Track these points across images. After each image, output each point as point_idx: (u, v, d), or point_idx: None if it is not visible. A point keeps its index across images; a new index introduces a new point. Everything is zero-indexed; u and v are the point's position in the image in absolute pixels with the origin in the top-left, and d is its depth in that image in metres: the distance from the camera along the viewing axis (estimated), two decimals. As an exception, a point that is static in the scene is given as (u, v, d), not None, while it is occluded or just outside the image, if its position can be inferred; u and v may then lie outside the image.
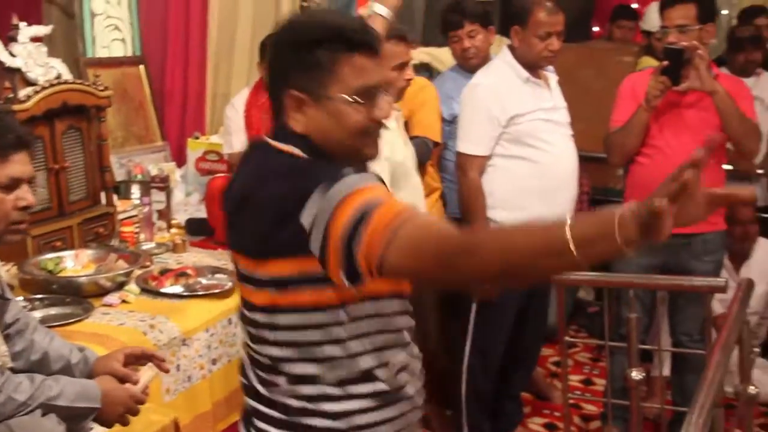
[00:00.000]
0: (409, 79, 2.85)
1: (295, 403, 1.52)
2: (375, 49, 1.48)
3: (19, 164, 1.86)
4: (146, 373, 2.01)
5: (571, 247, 1.16)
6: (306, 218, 1.36)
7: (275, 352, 1.52)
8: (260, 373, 1.57)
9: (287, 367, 1.51)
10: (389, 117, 1.50)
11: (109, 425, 1.94)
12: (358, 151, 1.51)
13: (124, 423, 1.93)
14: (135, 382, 1.97)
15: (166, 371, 2.14)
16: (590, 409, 3.90)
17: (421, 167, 3.33)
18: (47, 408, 1.81)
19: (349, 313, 1.47)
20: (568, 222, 1.18)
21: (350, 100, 1.45)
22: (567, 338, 3.26)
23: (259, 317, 1.52)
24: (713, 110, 3.14)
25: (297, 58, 1.47)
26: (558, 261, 1.22)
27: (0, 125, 1.87)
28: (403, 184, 2.82)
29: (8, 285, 2.14)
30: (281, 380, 1.52)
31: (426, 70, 4.10)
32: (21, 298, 2.69)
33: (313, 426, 1.51)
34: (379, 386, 1.52)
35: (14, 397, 1.77)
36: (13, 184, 1.86)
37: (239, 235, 1.52)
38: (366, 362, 1.51)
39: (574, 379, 4.19)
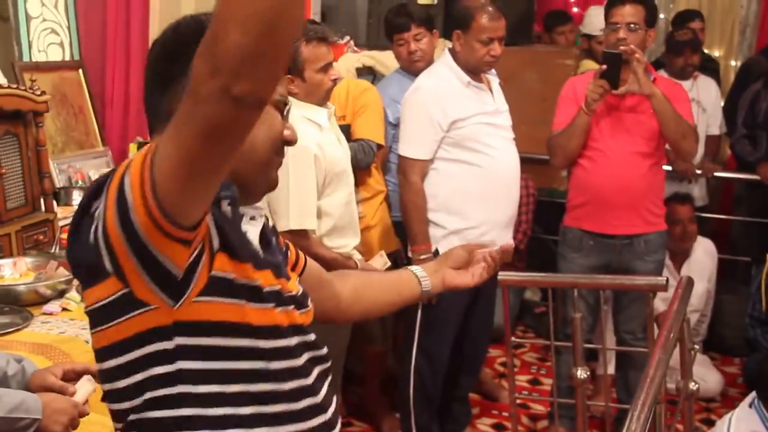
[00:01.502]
0: (335, 79, 2.83)
1: None
2: None
3: None
4: (84, 386, 1.95)
5: None
6: (91, 236, 1.16)
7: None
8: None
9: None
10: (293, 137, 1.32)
11: None
12: (268, 177, 1.32)
13: (69, 430, 1.87)
14: (71, 395, 1.92)
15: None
16: (538, 408, 3.94)
17: (365, 170, 3.33)
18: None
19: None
20: None
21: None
22: (513, 339, 3.29)
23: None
24: (651, 113, 3.20)
25: (171, 68, 1.25)
26: None
27: None
28: (337, 184, 2.81)
29: None
30: None
31: (369, 73, 4.10)
32: (-43, 308, 2.62)
33: None
34: None
35: None
36: None
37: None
38: None
39: (522, 380, 4.23)
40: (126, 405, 1.22)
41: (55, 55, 3.85)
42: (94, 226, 1.13)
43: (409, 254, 3.18)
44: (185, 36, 1.19)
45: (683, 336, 2.73)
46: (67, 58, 3.90)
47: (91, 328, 1.22)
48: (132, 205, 1.06)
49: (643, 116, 3.23)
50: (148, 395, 1.19)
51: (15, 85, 3.13)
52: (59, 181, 3.64)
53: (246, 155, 1.19)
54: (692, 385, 2.72)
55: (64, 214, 3.37)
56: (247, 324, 1.20)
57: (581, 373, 2.89)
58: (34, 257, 2.99)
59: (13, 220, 3.11)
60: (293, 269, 1.48)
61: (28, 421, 1.79)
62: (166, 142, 1.03)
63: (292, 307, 1.29)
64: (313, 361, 1.32)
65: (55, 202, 3.41)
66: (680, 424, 3.09)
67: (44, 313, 2.67)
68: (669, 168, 4.26)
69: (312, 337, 1.33)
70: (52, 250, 3.18)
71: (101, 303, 1.17)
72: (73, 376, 1.99)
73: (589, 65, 4.48)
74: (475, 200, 3.11)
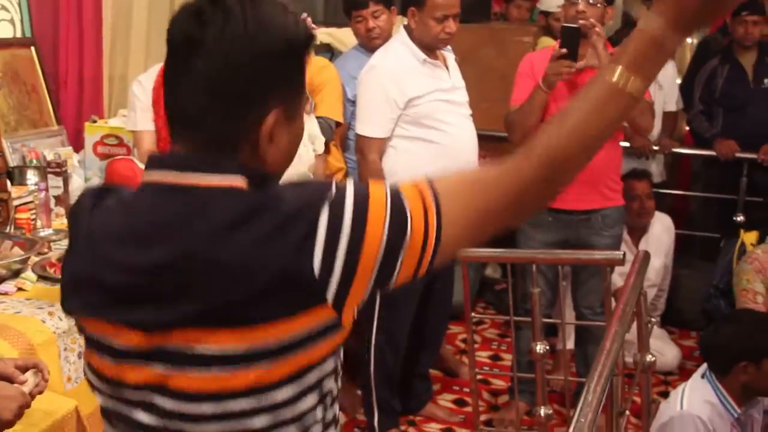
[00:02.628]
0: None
1: None
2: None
3: None
4: (31, 378, 1.94)
5: (626, 75, 1.11)
6: (317, 262, 1.06)
7: None
8: None
9: None
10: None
11: (4, 424, 1.85)
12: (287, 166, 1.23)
13: (18, 418, 1.85)
14: (21, 383, 1.90)
15: (46, 380, 2.05)
16: (499, 383, 3.97)
17: (325, 147, 3.32)
18: None
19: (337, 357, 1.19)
20: (612, 66, 1.12)
21: (308, 111, 1.29)
22: (473, 315, 3.32)
23: (234, 405, 1.11)
24: None
25: (283, 68, 1.14)
26: (623, 101, 1.12)
27: None
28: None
29: None
30: None
31: (327, 50, 4.07)
32: None
33: None
34: None
35: None
36: None
37: (174, 302, 1.10)
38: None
39: (483, 356, 4.26)
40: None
41: (6, 32, 3.77)
42: (320, 258, 1.06)
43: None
44: (260, 50, 1.11)
45: (640, 309, 2.77)
46: (18, 35, 3.82)
47: (271, 358, 1.09)
48: (407, 250, 1.09)
49: None
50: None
51: (-35, 62, 3.06)
52: (12, 160, 3.57)
53: (282, 168, 1.19)
54: (649, 358, 2.77)
55: (18, 194, 3.31)
56: None
57: (540, 347, 2.92)
58: (-13, 237, 2.94)
59: (-35, 200, 3.06)
60: None
61: None
62: (455, 204, 1.12)
63: None
64: None
65: (8, 182, 3.35)
66: (638, 396, 3.15)
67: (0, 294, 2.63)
68: (626, 144, 4.30)
69: None
70: (7, 230, 3.13)
71: (306, 332, 1.09)
72: (22, 371, 1.97)
73: (547, 42, 4.49)
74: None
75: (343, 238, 1.07)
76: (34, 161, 3.53)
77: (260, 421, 1.11)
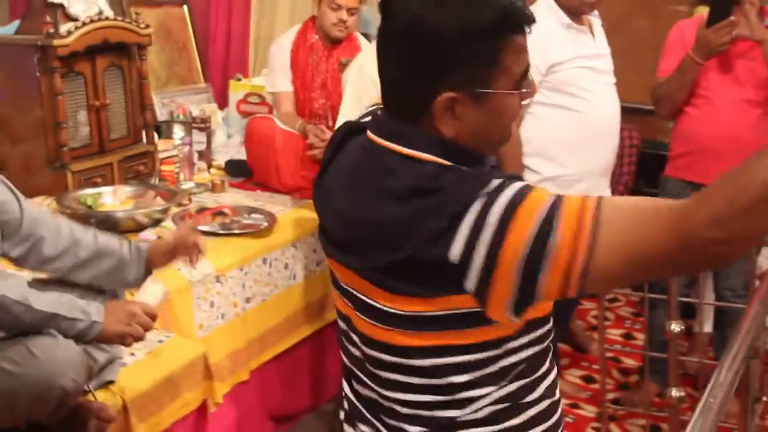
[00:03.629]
0: None
1: None
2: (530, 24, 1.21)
3: None
4: (151, 286, 1.98)
5: None
6: (456, 252, 1.09)
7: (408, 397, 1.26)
8: (389, 421, 1.30)
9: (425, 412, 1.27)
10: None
11: (114, 339, 1.89)
12: (503, 140, 1.25)
13: (134, 335, 1.88)
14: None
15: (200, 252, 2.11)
16: (630, 363, 3.86)
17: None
18: (42, 316, 1.78)
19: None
20: None
21: (517, 91, 1.19)
22: (606, 289, 3.22)
23: (387, 358, 1.25)
24: (763, 60, 3.03)
25: (460, 51, 1.14)
26: None
27: None
28: None
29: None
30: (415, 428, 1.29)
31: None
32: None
33: None
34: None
35: (8, 296, 1.74)
36: None
37: (362, 255, 1.21)
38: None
39: (615, 334, 4.15)
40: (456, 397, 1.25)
41: (161, -9, 3.92)
42: (463, 247, 1.09)
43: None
44: (470, 21, 1.14)
45: (786, 293, 2.61)
46: (173, -8, 3.97)
47: (397, 326, 1.19)
48: (552, 263, 1.06)
49: (754, 63, 3.06)
50: (465, 394, 1.24)
51: (120, 18, 3.19)
52: (161, 115, 3.72)
53: (485, 145, 1.23)
54: (794, 346, 2.61)
55: (164, 147, 3.46)
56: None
57: (675, 326, 2.81)
58: (133, 186, 3.08)
59: (115, 150, 3.21)
60: None
61: (86, 324, 1.83)
62: (615, 236, 1.04)
63: None
64: None
65: (156, 135, 3.49)
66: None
67: (141, 240, 2.75)
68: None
69: None
70: (152, 181, 3.27)
71: (435, 313, 1.15)
72: (182, 249, 2.06)
73: (704, 11, 4.27)
74: (571, 146, 3.02)
75: (486, 231, 1.08)
76: (181, 116, 3.66)
77: (399, 377, 1.24)
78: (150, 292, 1.99)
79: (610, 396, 3.52)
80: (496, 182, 1.11)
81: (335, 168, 1.30)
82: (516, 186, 1.10)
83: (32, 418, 1.84)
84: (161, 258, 2.06)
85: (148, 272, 2.05)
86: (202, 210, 3.01)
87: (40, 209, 2.10)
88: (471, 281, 1.10)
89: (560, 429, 1.36)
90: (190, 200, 3.15)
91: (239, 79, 3.90)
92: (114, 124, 3.22)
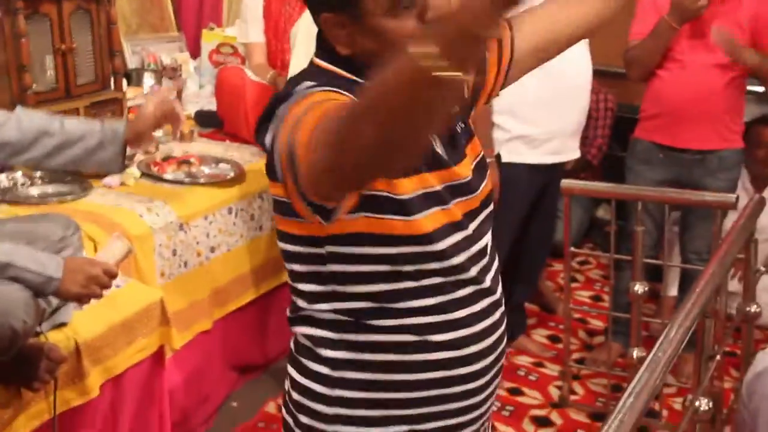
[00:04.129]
0: None
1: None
2: None
3: None
4: (115, 243, 1.97)
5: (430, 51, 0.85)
6: (267, 141, 1.21)
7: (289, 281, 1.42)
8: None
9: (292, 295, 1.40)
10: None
11: (71, 298, 1.89)
12: None
13: (92, 296, 1.88)
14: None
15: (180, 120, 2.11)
16: (596, 324, 3.88)
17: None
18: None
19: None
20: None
21: (393, 9, 1.20)
22: (572, 249, 3.22)
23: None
24: (735, 23, 3.02)
25: None
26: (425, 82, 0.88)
27: None
28: None
29: None
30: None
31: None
32: (20, 173, 2.70)
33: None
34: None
35: None
36: None
37: None
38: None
39: (584, 295, 4.17)
40: (298, 287, 1.35)
41: (134, -65, 3.85)
42: (271, 135, 1.18)
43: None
44: None
45: (749, 256, 2.62)
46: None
47: (273, 211, 1.34)
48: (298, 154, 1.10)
49: (726, 26, 3.04)
50: (304, 287, 1.33)
51: (88, -40, 3.13)
52: (131, 63, 3.67)
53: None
54: (754, 308, 2.62)
55: (133, 95, 3.41)
56: (390, 234, 1.26)
57: (639, 287, 2.82)
58: (99, 132, 3.03)
59: (82, 96, 3.15)
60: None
61: (43, 279, 1.81)
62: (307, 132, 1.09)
63: (456, 201, 1.31)
64: (474, 258, 1.34)
65: (125, 82, 3.44)
66: (738, 349, 3.01)
67: (104, 186, 2.73)
68: (760, 89, 4.04)
69: (473, 227, 1.34)
70: (119, 128, 3.22)
71: (277, 198, 1.27)
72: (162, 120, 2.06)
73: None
74: (541, 105, 3.00)
75: (276, 122, 1.19)
76: (152, 65, 3.61)
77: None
78: (113, 250, 1.97)
79: (575, 356, 3.54)
80: (305, 85, 1.21)
81: None
82: (313, 89, 1.19)
83: (-19, 357, 1.83)
84: (139, 136, 2.04)
85: (124, 153, 2.03)
86: (168, 158, 2.98)
87: None
88: (277, 169, 1.18)
89: (434, 372, 1.33)
90: (157, 148, 3.11)
91: (212, 29, 3.85)
92: (81, 70, 3.16)
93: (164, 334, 2.35)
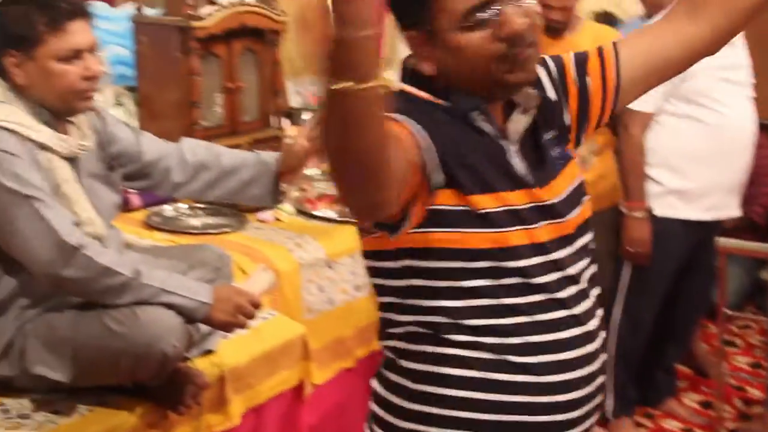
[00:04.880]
0: None
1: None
2: None
3: (77, 33, 1.85)
4: (260, 275, 2.04)
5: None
6: None
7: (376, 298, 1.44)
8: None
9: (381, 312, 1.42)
10: (524, 26, 1.24)
11: (219, 326, 1.96)
12: (497, 80, 1.25)
13: (238, 325, 1.94)
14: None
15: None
16: (754, 393, 3.66)
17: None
18: (151, 291, 1.84)
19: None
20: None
21: (465, 25, 1.23)
22: (730, 312, 3.08)
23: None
24: None
25: None
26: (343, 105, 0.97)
27: None
28: None
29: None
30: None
31: (608, 19, 3.91)
32: (186, 206, 2.85)
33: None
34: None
35: (119, 270, 1.81)
36: (75, 55, 1.85)
37: None
38: None
39: (742, 361, 3.96)
40: (381, 300, 1.38)
41: (305, -20, 4.01)
42: None
43: (622, 209, 3.04)
44: None
45: None
46: (315, -16, 4.04)
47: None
48: None
49: None
50: (386, 300, 1.36)
51: (258, 4, 3.28)
52: (294, 102, 3.80)
53: (472, 86, 1.28)
54: None
55: (293, 133, 3.52)
56: (468, 249, 1.26)
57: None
58: (258, 168, 3.16)
59: (245, 132, 3.31)
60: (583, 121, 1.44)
61: (194, 306, 1.88)
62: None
63: (542, 223, 1.30)
64: (561, 282, 1.32)
65: (287, 121, 3.57)
66: None
67: (258, 220, 2.83)
68: None
69: (563, 253, 1.32)
70: (277, 165, 3.35)
71: None
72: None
73: None
74: (699, 160, 2.90)
75: None
76: (312, 105, 3.73)
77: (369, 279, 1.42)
78: (258, 281, 2.07)
79: (729, 426, 3.36)
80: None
81: None
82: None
83: (134, 379, 1.93)
84: (291, 170, 2.14)
85: (277, 187, 2.12)
86: (321, 196, 3.06)
87: (163, 142, 2.18)
88: None
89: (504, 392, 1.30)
90: (311, 186, 3.20)
91: (373, 72, 3.94)
92: (246, 107, 3.32)
93: (305, 369, 2.41)
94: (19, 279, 1.87)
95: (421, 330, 1.31)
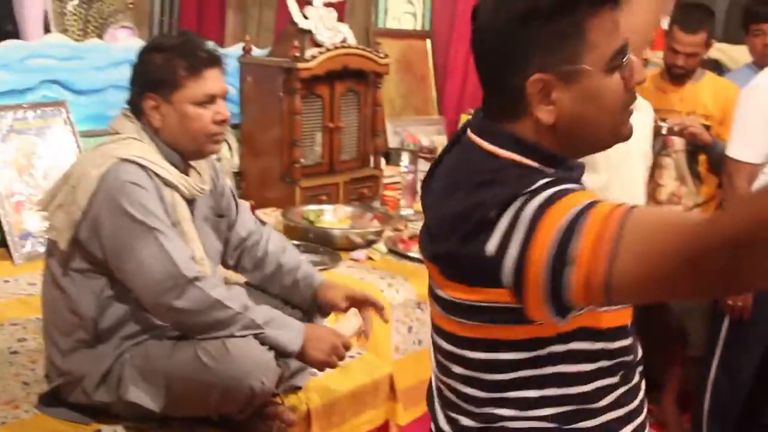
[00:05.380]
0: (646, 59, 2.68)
1: None
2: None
3: (212, 80, 1.96)
4: (350, 320, 2.08)
5: None
6: (492, 246, 1.10)
7: (464, 389, 1.26)
8: (449, 413, 1.30)
9: (476, 408, 1.25)
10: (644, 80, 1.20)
11: (314, 364, 2.00)
12: (615, 132, 1.20)
13: (330, 364, 1.98)
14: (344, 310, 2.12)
15: (386, 321, 2.21)
16: None
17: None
18: (253, 326, 1.89)
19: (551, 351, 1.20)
20: None
21: (610, 67, 1.15)
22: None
23: (447, 346, 1.26)
24: None
25: (539, 30, 1.13)
26: None
27: (190, 44, 1.97)
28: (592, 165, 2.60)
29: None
30: (468, 422, 1.27)
31: (715, 67, 3.83)
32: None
33: None
34: None
35: (228, 305, 1.86)
36: (209, 100, 1.96)
37: (432, 242, 1.23)
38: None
39: None
40: (485, 395, 1.24)
41: (408, 23, 4.08)
42: (498, 242, 1.09)
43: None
44: (507, 16, 1.15)
45: None
46: (418, 27, 4.11)
47: (453, 315, 1.22)
48: (574, 268, 1.04)
49: None
50: (512, 394, 1.23)
51: (361, 47, 3.36)
52: (392, 142, 3.86)
53: (589, 135, 1.20)
54: None
55: (390, 173, 3.58)
56: (602, 329, 1.22)
57: None
58: (354, 207, 3.22)
59: (343, 171, 3.38)
60: None
61: (289, 343, 1.92)
62: (639, 246, 1.00)
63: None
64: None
65: (384, 161, 3.63)
66: None
67: (352, 259, 2.87)
68: None
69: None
70: (373, 204, 3.40)
71: (480, 303, 1.16)
72: (352, 303, 2.14)
73: None
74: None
75: (519, 228, 1.08)
76: (411, 145, 3.78)
77: (457, 368, 1.24)
78: (350, 325, 2.12)
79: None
80: (541, 182, 1.10)
81: (440, 166, 1.30)
82: (558, 187, 1.09)
83: (222, 412, 1.97)
84: (329, 302, 2.15)
85: (313, 302, 2.15)
86: (413, 237, 3.08)
87: (253, 221, 2.26)
88: (506, 276, 1.09)
89: None
90: (405, 226, 3.24)
91: (470, 113, 3.96)
92: (345, 146, 3.39)
93: (391, 409, 2.42)
94: (128, 308, 1.95)
95: (541, 425, 1.23)
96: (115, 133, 1.98)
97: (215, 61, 1.98)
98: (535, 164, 1.16)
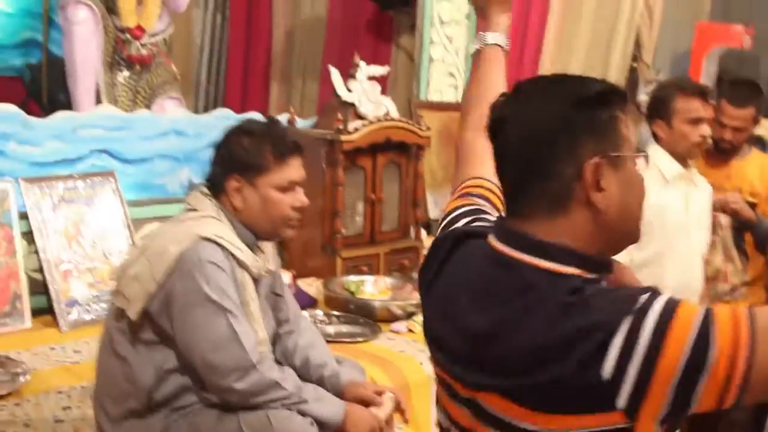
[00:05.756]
0: (704, 136, 2.67)
1: None
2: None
3: (295, 168, 2.03)
4: (387, 403, 2.09)
5: None
6: (608, 372, 1.06)
7: None
8: None
9: None
10: None
11: None
12: (639, 226, 1.23)
13: None
14: (379, 405, 2.07)
15: (405, 422, 2.21)
16: None
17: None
18: (304, 403, 1.93)
19: None
20: None
21: (641, 156, 1.20)
22: None
23: None
24: None
25: (585, 116, 1.15)
26: None
27: (280, 133, 2.04)
28: (649, 236, 2.58)
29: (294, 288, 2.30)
30: None
31: (759, 142, 3.82)
32: (322, 312, 2.92)
33: None
34: None
35: (283, 386, 1.90)
36: (290, 187, 2.02)
37: (489, 372, 1.16)
38: None
39: None
40: None
41: (449, 95, 4.13)
42: (614, 365, 1.06)
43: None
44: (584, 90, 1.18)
45: None
46: (460, 99, 4.16)
47: None
48: (710, 376, 1.04)
49: None
50: None
51: (404, 119, 3.40)
52: (433, 213, 3.88)
53: (630, 228, 1.21)
54: None
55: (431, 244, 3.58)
56: None
57: None
58: (394, 278, 3.22)
59: (384, 242, 3.39)
60: None
61: (330, 419, 1.96)
62: None
63: None
64: None
65: (424, 232, 3.64)
66: None
67: (392, 331, 2.87)
68: None
69: None
70: (413, 275, 3.40)
71: (584, 430, 1.11)
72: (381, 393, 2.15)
73: None
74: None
75: (639, 350, 1.05)
76: (451, 216, 3.79)
77: None
78: (388, 405, 2.12)
79: None
80: (643, 298, 1.08)
81: (452, 277, 1.26)
82: (662, 300, 1.08)
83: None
84: (350, 396, 2.13)
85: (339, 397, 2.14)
86: (454, 310, 3.07)
87: (295, 309, 2.29)
88: (623, 398, 1.07)
89: None
90: (446, 298, 3.23)
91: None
92: (386, 217, 3.41)
93: (432, 486, 2.39)
94: (185, 382, 1.96)
95: None
96: (192, 209, 2.02)
97: (299, 149, 2.05)
98: (597, 275, 1.16)
